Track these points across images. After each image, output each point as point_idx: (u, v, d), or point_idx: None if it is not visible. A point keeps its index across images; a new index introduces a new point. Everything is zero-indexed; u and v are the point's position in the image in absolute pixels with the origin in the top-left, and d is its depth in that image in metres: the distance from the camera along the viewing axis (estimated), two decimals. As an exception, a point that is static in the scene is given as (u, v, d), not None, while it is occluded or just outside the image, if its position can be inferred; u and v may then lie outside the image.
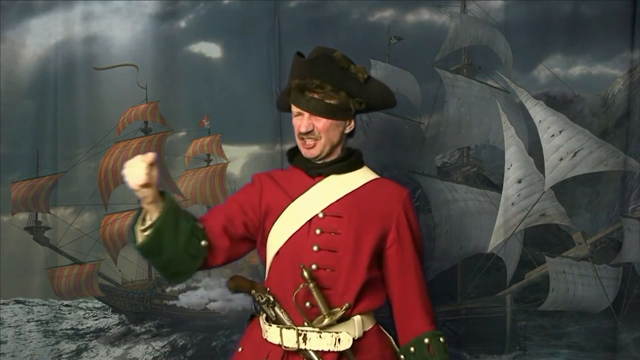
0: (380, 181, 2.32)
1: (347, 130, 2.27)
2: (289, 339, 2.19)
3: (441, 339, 2.27)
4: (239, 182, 3.99)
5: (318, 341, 2.18)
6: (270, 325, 2.22)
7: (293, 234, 2.22)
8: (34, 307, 4.05)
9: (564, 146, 3.84)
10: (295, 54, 2.21)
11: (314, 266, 2.18)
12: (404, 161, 3.99)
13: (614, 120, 3.85)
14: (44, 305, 4.04)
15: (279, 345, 2.20)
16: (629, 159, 3.78)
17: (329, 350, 2.18)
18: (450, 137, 4.00)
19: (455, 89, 3.98)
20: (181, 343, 4.02)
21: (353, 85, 2.20)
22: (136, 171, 2.01)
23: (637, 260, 3.82)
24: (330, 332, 2.17)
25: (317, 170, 2.27)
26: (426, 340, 2.26)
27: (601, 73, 3.85)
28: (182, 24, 4.01)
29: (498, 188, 3.94)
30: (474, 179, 4.03)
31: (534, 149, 3.90)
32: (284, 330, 2.19)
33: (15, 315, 4.04)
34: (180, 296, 4.03)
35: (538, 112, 3.88)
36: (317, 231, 2.21)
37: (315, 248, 2.20)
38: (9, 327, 4.04)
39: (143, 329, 4.07)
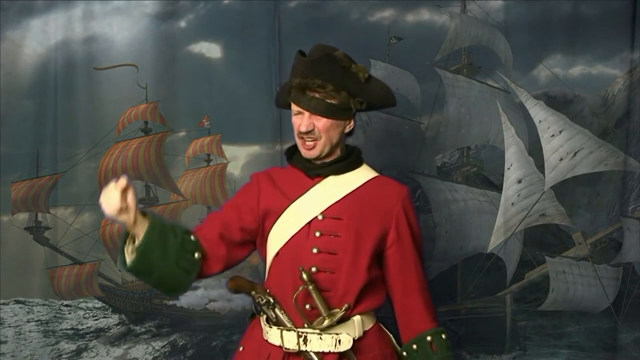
0: (380, 179, 2.32)
1: (347, 130, 2.26)
2: (290, 340, 2.19)
3: (443, 336, 2.28)
4: (239, 182, 3.99)
5: (318, 343, 2.18)
6: (271, 327, 2.22)
7: (293, 236, 2.22)
8: (34, 307, 4.05)
9: (564, 146, 3.84)
10: (298, 53, 2.20)
11: (313, 269, 2.18)
12: (404, 161, 3.99)
13: (614, 120, 3.85)
14: (44, 305, 4.04)
15: (280, 347, 2.20)
16: (629, 159, 3.79)
17: (329, 351, 2.18)
18: (450, 137, 4.00)
19: (455, 89, 3.98)
20: (181, 343, 4.02)
21: (354, 85, 2.19)
22: (110, 199, 2.01)
23: (637, 260, 3.82)
24: (330, 334, 2.18)
25: (316, 171, 2.26)
26: (428, 338, 2.26)
27: (601, 73, 3.85)
28: (182, 24, 4.00)
29: (498, 188, 3.94)
30: (474, 179, 4.03)
31: (534, 149, 3.90)
32: (284, 332, 2.20)
33: (15, 315, 4.04)
34: (180, 296, 4.03)
35: (538, 112, 3.88)
36: (317, 233, 2.21)
37: (315, 250, 2.20)
38: (9, 327, 4.04)
39: (143, 329, 4.07)
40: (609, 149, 3.80)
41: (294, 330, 2.18)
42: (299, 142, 2.25)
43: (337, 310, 2.17)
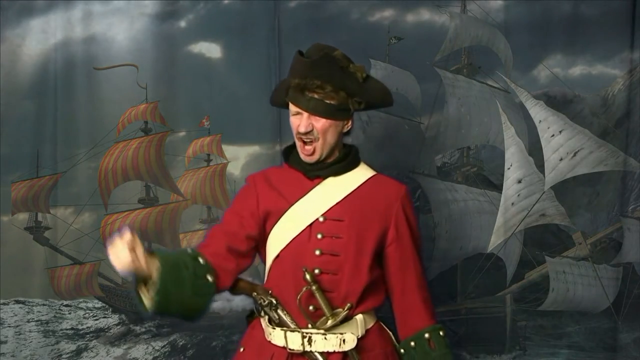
0: (378, 178, 2.31)
1: (345, 130, 2.26)
2: (294, 341, 2.18)
3: (441, 333, 2.28)
4: (239, 182, 3.99)
5: (323, 343, 2.18)
6: (274, 328, 2.22)
7: (294, 238, 2.21)
8: (34, 307, 4.05)
9: (564, 146, 3.84)
10: (297, 53, 2.19)
11: (316, 270, 2.17)
12: (404, 161, 3.99)
13: (614, 120, 3.85)
14: (44, 305, 4.04)
15: (283, 347, 2.20)
16: (629, 159, 3.79)
17: (334, 351, 2.18)
18: (450, 137, 4.00)
19: (455, 89, 3.98)
20: (181, 343, 4.02)
21: (352, 85, 2.19)
22: (120, 256, 2.00)
23: (637, 260, 3.82)
24: (335, 334, 2.18)
25: (315, 173, 2.25)
26: (426, 335, 2.26)
27: (601, 73, 3.85)
28: (182, 24, 4.01)
29: (498, 188, 3.94)
30: (474, 179, 4.03)
31: (534, 149, 3.90)
32: (288, 333, 2.19)
33: (15, 315, 4.04)
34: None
35: (538, 112, 3.88)
36: (319, 235, 2.20)
37: (317, 252, 2.19)
38: (9, 327, 4.04)
39: (143, 329, 4.07)
40: (609, 149, 3.80)
41: (298, 331, 2.18)
42: (298, 144, 2.24)
43: (340, 310, 2.16)
